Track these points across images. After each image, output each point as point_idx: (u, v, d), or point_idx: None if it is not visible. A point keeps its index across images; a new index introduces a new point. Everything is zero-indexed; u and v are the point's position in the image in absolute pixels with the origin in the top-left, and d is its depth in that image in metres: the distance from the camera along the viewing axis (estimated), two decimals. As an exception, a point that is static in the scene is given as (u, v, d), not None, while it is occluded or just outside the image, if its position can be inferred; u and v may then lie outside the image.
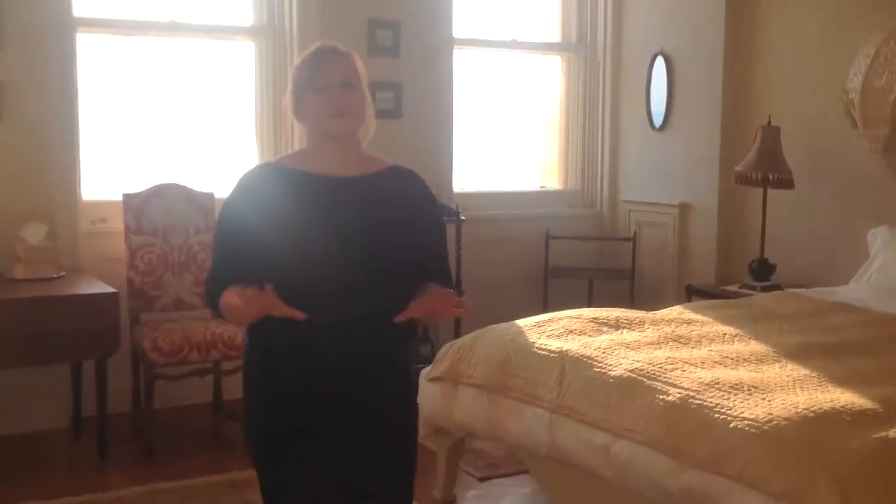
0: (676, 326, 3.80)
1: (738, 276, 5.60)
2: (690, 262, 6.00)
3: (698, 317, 4.00)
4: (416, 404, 2.51)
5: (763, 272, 5.31)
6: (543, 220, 6.25)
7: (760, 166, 5.21)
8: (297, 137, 5.37)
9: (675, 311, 4.19)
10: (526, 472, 4.23)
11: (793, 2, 5.45)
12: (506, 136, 6.43)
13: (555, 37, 6.56)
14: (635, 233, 6.18)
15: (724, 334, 3.68)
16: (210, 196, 5.05)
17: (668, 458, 2.89)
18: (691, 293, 5.52)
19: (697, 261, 5.95)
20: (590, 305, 5.98)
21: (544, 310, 5.73)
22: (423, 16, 5.72)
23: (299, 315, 2.15)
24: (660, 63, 6.13)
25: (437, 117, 5.84)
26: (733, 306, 4.33)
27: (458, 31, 5.95)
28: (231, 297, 2.19)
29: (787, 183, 5.18)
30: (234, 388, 4.94)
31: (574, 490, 3.37)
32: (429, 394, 3.77)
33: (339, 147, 2.37)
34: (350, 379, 2.31)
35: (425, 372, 3.85)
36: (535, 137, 6.62)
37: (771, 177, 5.18)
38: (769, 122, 5.26)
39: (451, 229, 4.78)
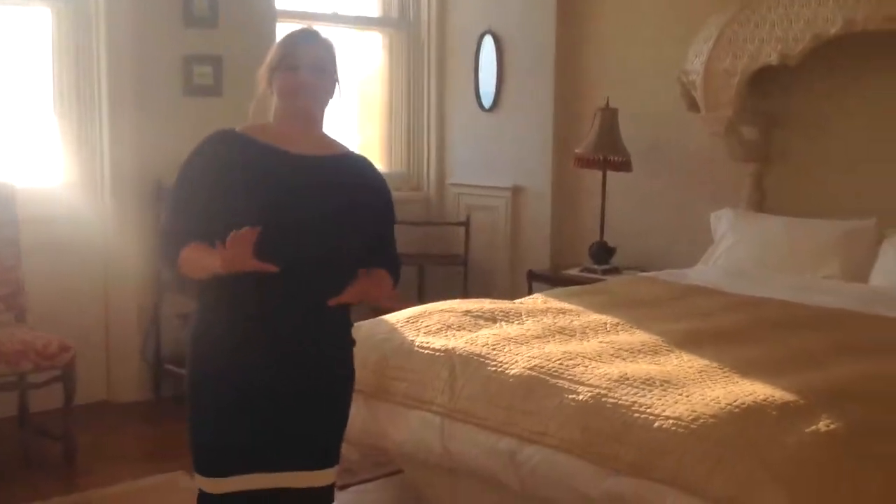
0: (553, 317, 3.64)
1: (574, 260, 5.55)
2: (524, 247, 5.89)
3: (567, 305, 3.86)
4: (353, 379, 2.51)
5: (603, 256, 5.27)
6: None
7: (600, 148, 5.16)
8: (108, 112, 4.84)
9: (539, 299, 4.04)
10: (386, 475, 3.98)
11: (628, -18, 5.43)
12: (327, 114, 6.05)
13: (375, 11, 6.27)
14: (468, 217, 6.00)
15: (605, 324, 3.54)
16: (10, 187, 4.38)
17: (586, 463, 2.71)
18: (532, 278, 5.41)
19: (531, 245, 5.84)
20: (421, 293, 5.79)
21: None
22: (243, -16, 5.26)
23: (271, 267, 2.16)
24: (488, 42, 5.97)
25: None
26: (593, 293, 4.22)
27: (280, 3, 5.52)
28: (196, 252, 2.25)
29: (626, 165, 5.16)
30: (42, 400, 4.36)
31: (471, 501, 3.13)
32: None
33: (301, 125, 2.41)
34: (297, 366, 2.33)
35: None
36: (358, 117, 6.30)
37: (611, 159, 5.14)
38: (608, 104, 5.21)
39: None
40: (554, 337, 3.35)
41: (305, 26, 2.49)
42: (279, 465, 2.35)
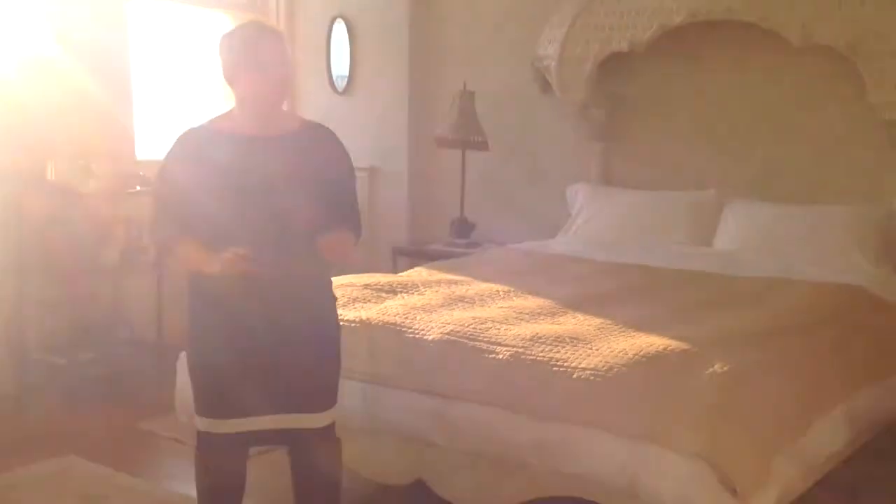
0: (448, 287, 3.88)
1: (433, 236, 5.79)
2: (382, 225, 6.08)
3: (454, 276, 4.10)
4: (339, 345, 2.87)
5: (464, 230, 5.56)
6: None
7: (460, 129, 5.43)
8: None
9: (424, 272, 4.25)
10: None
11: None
12: (186, 99, 6.04)
13: (220, -7, 6.27)
14: (327, 197, 6.12)
15: (498, 291, 3.82)
16: None
17: (511, 414, 2.98)
18: (398, 254, 5.63)
19: (389, 223, 6.05)
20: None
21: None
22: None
23: (254, 271, 2.49)
24: (340, 26, 6.11)
25: (112, 77, 5.27)
26: (471, 265, 4.47)
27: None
28: (190, 251, 2.62)
29: (483, 145, 5.46)
30: None
31: (390, 458, 3.32)
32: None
33: (266, 113, 2.71)
34: (274, 337, 2.63)
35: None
36: (202, 99, 6.29)
37: (471, 139, 5.42)
38: (465, 87, 5.48)
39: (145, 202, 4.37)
40: (457, 304, 3.60)
41: (258, 23, 2.75)
42: (272, 409, 2.66)
